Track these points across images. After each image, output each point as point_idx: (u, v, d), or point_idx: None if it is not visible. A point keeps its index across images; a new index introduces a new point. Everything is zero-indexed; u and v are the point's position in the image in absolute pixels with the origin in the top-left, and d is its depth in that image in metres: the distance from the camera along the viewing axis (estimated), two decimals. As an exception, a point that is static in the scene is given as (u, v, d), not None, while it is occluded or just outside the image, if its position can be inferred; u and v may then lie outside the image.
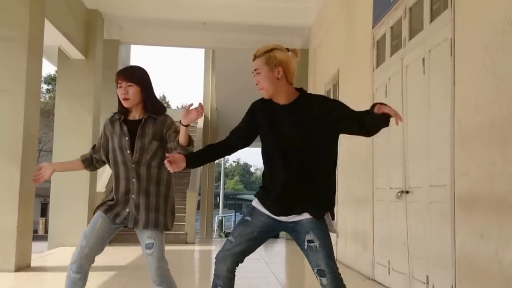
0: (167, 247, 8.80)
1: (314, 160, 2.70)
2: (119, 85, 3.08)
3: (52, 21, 7.53)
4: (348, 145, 7.28)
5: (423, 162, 4.48)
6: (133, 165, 3.08)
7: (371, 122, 2.47)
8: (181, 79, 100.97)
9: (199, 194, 17.71)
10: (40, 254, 7.82)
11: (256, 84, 2.75)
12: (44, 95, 32.27)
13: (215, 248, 10.56)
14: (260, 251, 10.42)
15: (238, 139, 2.88)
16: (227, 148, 2.92)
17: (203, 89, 20.48)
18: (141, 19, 10.92)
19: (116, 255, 8.23)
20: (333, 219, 2.73)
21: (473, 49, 3.69)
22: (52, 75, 25.90)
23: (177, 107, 58.38)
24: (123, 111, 3.17)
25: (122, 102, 3.09)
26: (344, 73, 7.73)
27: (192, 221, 11.21)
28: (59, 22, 7.97)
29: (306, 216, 2.63)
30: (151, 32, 12.59)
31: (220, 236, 24.47)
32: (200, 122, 17.56)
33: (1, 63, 6.37)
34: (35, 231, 7.17)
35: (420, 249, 4.53)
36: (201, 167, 13.72)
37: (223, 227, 28.46)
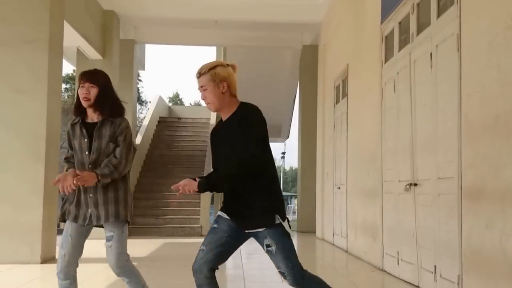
0: (184, 240, 9.14)
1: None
2: (81, 85, 3.22)
3: (71, 23, 7.79)
4: (358, 140, 7.45)
5: (431, 155, 4.64)
6: (89, 166, 3.21)
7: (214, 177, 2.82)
8: (194, 76, 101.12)
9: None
10: (61, 247, 8.08)
11: (203, 99, 2.93)
12: (63, 94, 32.73)
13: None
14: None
15: None
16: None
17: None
18: (155, 19, 11.15)
19: (134, 247, 8.46)
20: (283, 220, 2.78)
21: (478, 44, 3.81)
22: (70, 75, 26.23)
23: (190, 104, 58.70)
24: (78, 113, 3.30)
25: (82, 101, 3.22)
26: (353, 68, 7.88)
27: (207, 214, 11.47)
28: (77, 24, 8.22)
29: (259, 229, 2.76)
30: (164, 31, 12.82)
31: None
32: (213, 118, 17.77)
33: (24, 64, 6.64)
34: (57, 225, 7.50)
35: (428, 240, 4.69)
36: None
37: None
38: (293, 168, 70.88)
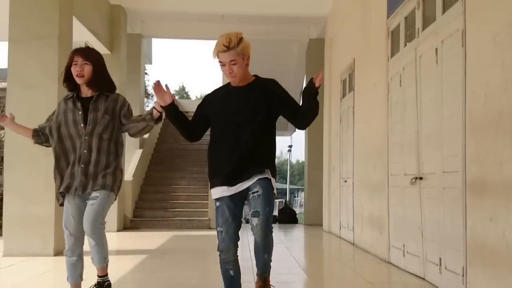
0: (191, 232, 9.27)
1: (258, 131, 3.09)
2: (74, 63, 3.35)
3: (79, 19, 7.88)
4: (364, 134, 7.52)
5: (436, 149, 4.71)
6: (86, 137, 3.38)
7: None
8: (199, 70, 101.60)
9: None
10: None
11: (230, 72, 3.01)
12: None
13: (237, 234, 10.89)
14: (280, 235, 10.83)
15: (198, 128, 3.26)
16: (193, 130, 3.26)
17: (221, 80, 20.76)
18: (162, 13, 11.23)
19: (145, 240, 8.65)
20: (273, 176, 3.12)
21: (483, 40, 3.86)
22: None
23: (196, 97, 58.80)
24: (70, 88, 3.46)
25: (76, 78, 3.36)
26: (360, 62, 7.93)
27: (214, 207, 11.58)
28: (86, 19, 8.32)
29: (255, 178, 3.05)
30: (171, 26, 12.91)
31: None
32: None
33: (34, 60, 6.74)
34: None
35: (433, 233, 4.77)
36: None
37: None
38: (300, 161, 70.96)
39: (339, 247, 8.16)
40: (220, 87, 3.27)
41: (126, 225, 10.80)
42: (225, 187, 3.10)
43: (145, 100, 30.28)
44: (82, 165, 3.38)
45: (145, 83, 16.32)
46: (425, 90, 5.05)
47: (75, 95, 3.47)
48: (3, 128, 6.96)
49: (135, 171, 11.87)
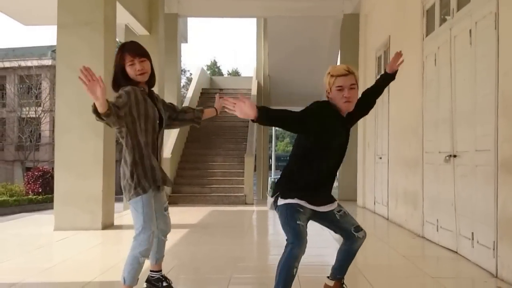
0: (228, 208, 9.65)
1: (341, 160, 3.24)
2: (130, 63, 3.16)
3: (121, 3, 8.16)
4: (399, 111, 7.61)
5: (469, 128, 4.82)
6: (160, 133, 3.34)
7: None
8: (231, 47, 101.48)
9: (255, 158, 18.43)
10: (119, 214, 8.70)
11: (348, 97, 2.97)
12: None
13: (272, 209, 11.20)
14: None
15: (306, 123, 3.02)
16: (299, 123, 3.01)
17: (256, 57, 20.91)
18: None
19: (185, 215, 9.04)
20: None
21: (516, 22, 3.96)
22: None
23: (228, 71, 58.99)
24: (117, 88, 3.21)
25: (139, 77, 3.19)
26: (395, 40, 7.96)
27: (250, 183, 11.90)
28: (127, 2, 8.59)
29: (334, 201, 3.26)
30: (206, 4, 13.09)
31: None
32: (254, 89, 18.04)
33: (82, 45, 7.08)
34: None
35: (466, 209, 4.92)
36: (256, 130, 14.27)
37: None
38: (333, 136, 70.37)
39: (374, 222, 8.35)
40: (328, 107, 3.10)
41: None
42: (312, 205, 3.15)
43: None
44: (157, 160, 3.30)
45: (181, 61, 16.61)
46: (459, 70, 5.13)
47: (142, 88, 3.28)
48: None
49: (173, 148, 12.30)
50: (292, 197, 3.09)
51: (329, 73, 3.06)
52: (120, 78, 3.21)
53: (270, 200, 3.28)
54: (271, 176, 31.02)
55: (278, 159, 53.09)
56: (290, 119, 2.96)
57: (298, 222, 3.01)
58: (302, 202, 3.08)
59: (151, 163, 3.24)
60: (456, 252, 5.18)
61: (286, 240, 3.06)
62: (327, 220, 3.24)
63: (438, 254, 5.38)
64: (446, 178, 5.44)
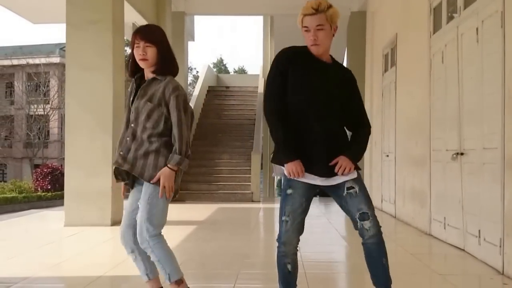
0: (235, 205, 9.76)
1: (337, 115, 2.77)
2: (136, 45, 2.93)
3: (129, 1, 8.22)
4: (407, 109, 7.64)
5: (476, 126, 4.84)
6: (132, 125, 2.98)
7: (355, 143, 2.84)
8: (238, 44, 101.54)
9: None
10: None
11: (312, 39, 2.66)
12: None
13: (278, 206, 11.24)
14: (321, 209, 11.07)
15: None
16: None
17: (262, 55, 20.94)
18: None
19: (192, 212, 9.13)
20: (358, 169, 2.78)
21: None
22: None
23: (234, 69, 59.05)
24: (133, 74, 3.06)
25: (139, 62, 2.96)
26: (402, 37, 7.98)
27: (257, 181, 11.96)
28: (135, 1, 8.66)
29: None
30: (213, 2, 13.13)
31: (280, 194, 25.33)
32: (261, 87, 18.07)
33: (91, 43, 7.15)
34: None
35: (473, 206, 4.95)
36: (262, 128, 14.32)
37: (283, 187, 29.22)
38: (340, 134, 70.39)
39: (381, 220, 8.26)
40: (298, 50, 2.79)
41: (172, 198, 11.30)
42: (316, 177, 2.73)
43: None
44: (121, 152, 3.02)
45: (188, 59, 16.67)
46: (466, 68, 5.15)
47: (138, 76, 3.09)
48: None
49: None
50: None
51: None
52: (131, 61, 3.05)
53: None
54: (277, 174, 30.97)
55: (284, 156, 52.97)
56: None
57: (282, 217, 2.75)
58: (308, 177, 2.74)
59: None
60: (463, 250, 5.20)
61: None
62: (336, 198, 2.79)
63: (445, 252, 5.41)
64: (453, 176, 5.47)
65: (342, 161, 2.70)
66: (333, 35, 2.73)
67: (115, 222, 7.21)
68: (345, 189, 2.71)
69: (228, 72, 55.45)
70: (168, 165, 2.88)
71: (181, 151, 2.88)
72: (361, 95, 2.91)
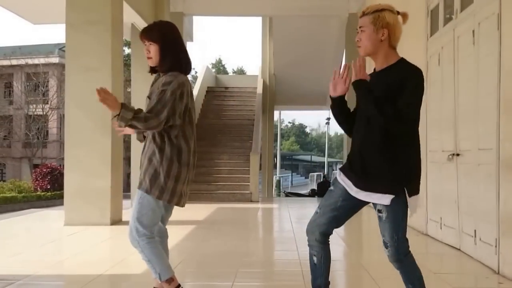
0: (234, 205, 9.78)
1: (377, 127, 2.59)
2: (144, 44, 3.02)
3: (128, 2, 8.26)
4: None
5: (472, 127, 4.90)
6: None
7: None
8: (236, 45, 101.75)
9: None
10: (127, 210, 8.80)
11: (357, 41, 2.68)
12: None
13: (277, 206, 11.34)
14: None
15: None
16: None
17: (261, 56, 21.02)
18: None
19: (192, 211, 9.14)
20: (413, 194, 2.62)
21: (518, 24, 4.03)
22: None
23: (233, 69, 59.11)
24: (151, 70, 3.12)
25: (148, 61, 3.05)
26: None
27: (256, 181, 12.01)
28: (133, 2, 8.70)
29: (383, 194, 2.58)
30: (212, 3, 13.19)
31: (279, 195, 25.41)
32: (260, 88, 18.14)
33: (90, 44, 7.20)
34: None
35: (469, 206, 5.01)
36: (261, 128, 14.36)
37: (281, 187, 29.35)
38: (338, 134, 70.70)
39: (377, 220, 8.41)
40: None
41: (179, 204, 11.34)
42: (353, 186, 2.67)
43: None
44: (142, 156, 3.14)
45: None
46: (462, 70, 5.21)
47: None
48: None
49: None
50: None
51: None
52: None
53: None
54: (276, 175, 31.08)
55: (283, 158, 53.28)
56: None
57: (316, 209, 2.79)
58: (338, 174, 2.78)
59: None
60: (459, 250, 5.26)
61: None
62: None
63: (441, 251, 5.47)
64: (449, 176, 5.53)
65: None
66: (381, 40, 2.64)
67: (115, 221, 7.27)
68: (376, 210, 2.67)
69: (227, 72, 55.51)
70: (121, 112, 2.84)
71: (137, 116, 2.85)
72: (410, 95, 2.58)
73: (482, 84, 4.66)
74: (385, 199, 2.58)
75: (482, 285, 4.18)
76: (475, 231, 4.83)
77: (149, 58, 3.02)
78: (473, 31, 4.87)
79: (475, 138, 4.81)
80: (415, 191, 2.65)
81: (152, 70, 3.12)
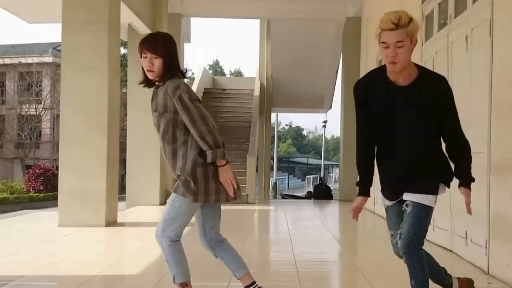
0: (231, 207, 9.83)
1: (419, 139, 2.71)
2: (143, 56, 2.95)
3: (125, 2, 8.26)
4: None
5: (464, 131, 4.92)
6: (160, 140, 3.05)
7: (459, 168, 2.83)
8: (234, 47, 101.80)
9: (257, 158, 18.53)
10: (122, 212, 8.85)
11: (392, 56, 2.49)
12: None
13: (273, 208, 11.37)
14: (315, 211, 11.19)
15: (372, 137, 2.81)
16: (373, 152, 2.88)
17: (258, 58, 21.06)
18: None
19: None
20: (435, 193, 2.78)
21: (508, 31, 4.08)
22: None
23: (230, 71, 59.13)
24: (147, 82, 3.05)
25: (147, 73, 2.97)
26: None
27: (252, 183, 12.01)
28: (131, 2, 8.71)
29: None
30: (209, 4, 13.21)
31: (275, 197, 25.47)
32: (257, 90, 18.15)
33: (86, 44, 7.19)
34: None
35: (460, 208, 5.02)
36: (258, 130, 14.39)
37: (278, 190, 29.41)
38: (335, 137, 70.89)
39: (373, 222, 8.48)
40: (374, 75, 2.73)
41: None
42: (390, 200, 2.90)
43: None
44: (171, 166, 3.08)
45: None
46: (456, 75, 5.27)
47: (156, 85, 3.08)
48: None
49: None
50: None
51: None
52: (142, 70, 3.02)
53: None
54: (272, 177, 31.13)
55: (280, 160, 53.35)
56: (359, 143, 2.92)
57: (389, 232, 2.96)
58: (385, 201, 2.93)
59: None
60: (451, 251, 5.32)
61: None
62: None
63: (434, 253, 5.37)
64: (442, 179, 5.57)
65: (467, 198, 2.79)
66: (412, 50, 2.56)
67: (110, 223, 7.27)
68: (404, 204, 2.76)
69: (224, 74, 55.51)
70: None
71: (209, 146, 2.90)
72: (453, 108, 2.74)
73: (475, 89, 4.72)
74: (419, 197, 2.71)
75: (473, 286, 4.24)
76: (466, 232, 4.88)
77: (150, 71, 2.96)
78: (466, 37, 4.93)
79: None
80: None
81: (147, 83, 3.06)
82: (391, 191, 2.84)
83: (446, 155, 2.83)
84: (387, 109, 2.64)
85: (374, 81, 2.69)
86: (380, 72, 2.70)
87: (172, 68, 2.99)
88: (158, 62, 2.94)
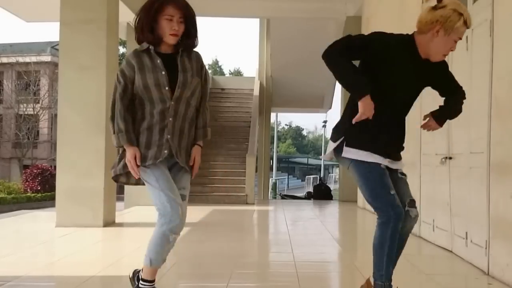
0: (230, 207, 9.83)
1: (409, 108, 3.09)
2: (169, 17, 2.76)
3: (124, 1, 8.22)
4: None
5: (464, 131, 4.94)
6: (172, 103, 2.82)
7: (449, 106, 3.31)
8: (233, 46, 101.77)
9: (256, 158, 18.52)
10: (120, 212, 8.82)
11: (452, 50, 2.98)
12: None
13: (272, 208, 11.34)
14: (315, 211, 11.18)
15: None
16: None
17: (258, 57, 21.03)
18: (200, -8, 11.49)
19: (187, 213, 9.14)
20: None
21: (508, 31, 4.06)
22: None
23: (229, 71, 59.14)
24: (154, 42, 2.84)
25: (170, 37, 2.78)
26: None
27: (252, 183, 12.00)
28: (129, 1, 8.66)
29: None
30: (209, 3, 13.17)
31: (275, 197, 25.45)
32: (256, 90, 18.13)
33: (84, 43, 7.14)
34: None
35: (460, 209, 5.04)
36: (257, 130, 14.34)
37: (277, 190, 29.39)
38: (334, 137, 70.64)
39: (373, 222, 8.41)
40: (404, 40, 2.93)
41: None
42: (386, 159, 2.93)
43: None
44: (168, 136, 2.88)
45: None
46: (456, 75, 5.16)
47: (153, 49, 2.87)
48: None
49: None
50: (366, 149, 2.83)
51: (457, 10, 2.80)
52: (144, 32, 2.85)
53: (330, 145, 2.96)
54: (272, 177, 31.13)
55: (279, 160, 53.31)
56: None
57: (391, 192, 2.84)
58: (380, 159, 2.85)
59: (145, 137, 2.90)
60: (451, 251, 5.30)
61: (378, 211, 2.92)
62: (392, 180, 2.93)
63: (434, 253, 5.50)
64: (442, 179, 5.56)
65: (431, 122, 3.15)
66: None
67: (108, 223, 7.24)
68: (399, 173, 2.97)
69: (223, 74, 55.53)
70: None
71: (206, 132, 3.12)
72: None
73: (475, 89, 4.69)
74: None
75: (472, 286, 4.24)
76: (466, 233, 4.86)
77: (175, 35, 2.80)
78: (467, 37, 4.90)
79: (467, 142, 4.85)
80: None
81: (142, 41, 2.92)
82: (386, 149, 2.92)
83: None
84: (410, 78, 2.88)
85: (403, 43, 2.88)
86: (409, 40, 2.93)
87: (196, 35, 2.91)
88: (182, 28, 2.82)
